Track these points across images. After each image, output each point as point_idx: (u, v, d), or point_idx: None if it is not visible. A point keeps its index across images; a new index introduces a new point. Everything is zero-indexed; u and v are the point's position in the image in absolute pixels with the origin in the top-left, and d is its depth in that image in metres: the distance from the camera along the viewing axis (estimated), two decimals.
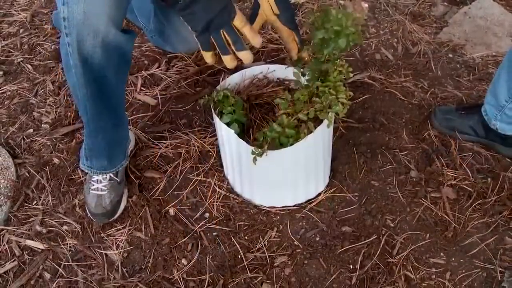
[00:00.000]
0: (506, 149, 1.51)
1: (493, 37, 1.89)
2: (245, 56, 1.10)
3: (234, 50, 1.09)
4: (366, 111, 1.64)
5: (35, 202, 1.46)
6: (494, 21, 1.94)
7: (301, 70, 1.27)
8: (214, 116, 1.27)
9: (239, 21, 1.07)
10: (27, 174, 1.52)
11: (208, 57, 1.11)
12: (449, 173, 1.45)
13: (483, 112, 1.50)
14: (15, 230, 1.39)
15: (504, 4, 2.07)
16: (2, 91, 1.80)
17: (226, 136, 1.26)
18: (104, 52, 1.08)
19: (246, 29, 1.09)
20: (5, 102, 1.76)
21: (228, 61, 1.10)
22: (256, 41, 1.11)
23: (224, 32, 1.07)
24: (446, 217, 1.36)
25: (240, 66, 1.20)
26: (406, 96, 1.69)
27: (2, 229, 1.39)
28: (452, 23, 1.99)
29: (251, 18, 1.22)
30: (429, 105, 1.66)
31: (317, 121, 1.21)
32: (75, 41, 1.04)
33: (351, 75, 1.23)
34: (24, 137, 1.63)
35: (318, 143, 1.27)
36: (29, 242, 1.37)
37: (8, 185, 1.47)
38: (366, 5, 1.91)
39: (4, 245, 1.36)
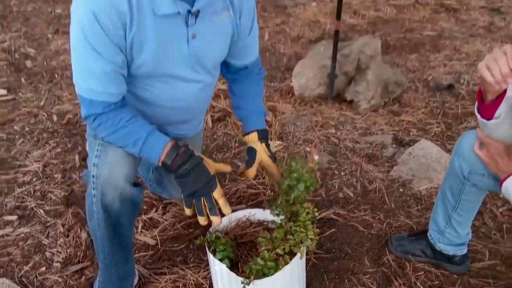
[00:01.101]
0: (452, 266, 1.73)
1: (434, 172, 2.22)
2: (215, 220, 1.33)
3: (208, 213, 1.32)
4: (333, 243, 1.88)
5: None
6: (433, 158, 2.28)
7: (276, 212, 1.53)
8: (209, 253, 1.47)
9: (217, 194, 1.32)
10: None
11: (187, 212, 1.36)
12: None
13: (429, 237, 1.73)
14: None
15: (440, 144, 2.46)
16: (17, 233, 1.96)
17: (219, 270, 1.45)
18: (121, 203, 1.35)
19: (221, 200, 1.33)
20: (19, 243, 1.91)
21: (201, 220, 1.34)
22: (227, 210, 1.35)
23: (204, 199, 1.31)
24: None
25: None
26: (366, 228, 1.94)
27: None
28: (400, 162, 2.32)
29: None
30: (385, 234, 1.91)
31: (292, 254, 1.43)
32: (100, 194, 1.33)
33: (317, 214, 1.50)
34: (37, 275, 1.77)
35: (294, 272, 1.47)
36: None
37: None
38: (317, 157, 2.25)
39: None
